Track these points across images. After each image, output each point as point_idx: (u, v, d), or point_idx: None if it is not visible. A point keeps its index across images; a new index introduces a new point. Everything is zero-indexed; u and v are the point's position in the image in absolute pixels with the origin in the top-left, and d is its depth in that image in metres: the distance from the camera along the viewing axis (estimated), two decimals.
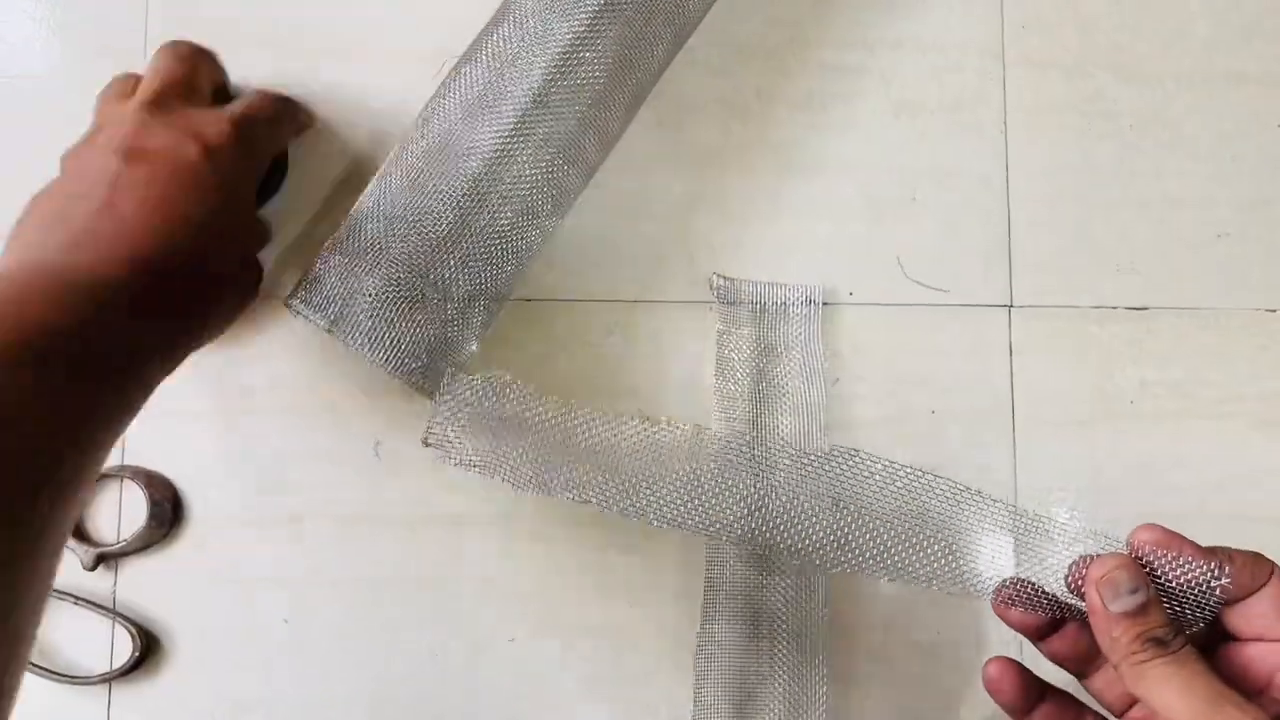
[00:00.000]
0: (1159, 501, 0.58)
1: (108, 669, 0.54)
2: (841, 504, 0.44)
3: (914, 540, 0.43)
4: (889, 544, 0.43)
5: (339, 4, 0.58)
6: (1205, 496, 0.58)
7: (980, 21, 0.60)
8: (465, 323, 0.52)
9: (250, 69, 0.55)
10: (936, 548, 0.43)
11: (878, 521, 0.44)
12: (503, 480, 0.45)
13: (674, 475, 0.45)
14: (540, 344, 0.57)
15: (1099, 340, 0.58)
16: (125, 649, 0.54)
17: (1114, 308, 0.59)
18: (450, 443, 0.47)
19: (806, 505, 0.45)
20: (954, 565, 0.43)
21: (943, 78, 0.59)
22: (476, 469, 0.46)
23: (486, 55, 0.53)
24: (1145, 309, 0.59)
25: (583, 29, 0.53)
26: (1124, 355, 0.58)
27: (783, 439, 0.56)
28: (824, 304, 0.57)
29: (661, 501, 0.44)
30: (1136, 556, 0.39)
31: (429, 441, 0.48)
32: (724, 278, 0.57)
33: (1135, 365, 0.58)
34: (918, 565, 0.43)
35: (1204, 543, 0.40)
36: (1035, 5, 0.60)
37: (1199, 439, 0.58)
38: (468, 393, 0.48)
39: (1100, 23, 0.60)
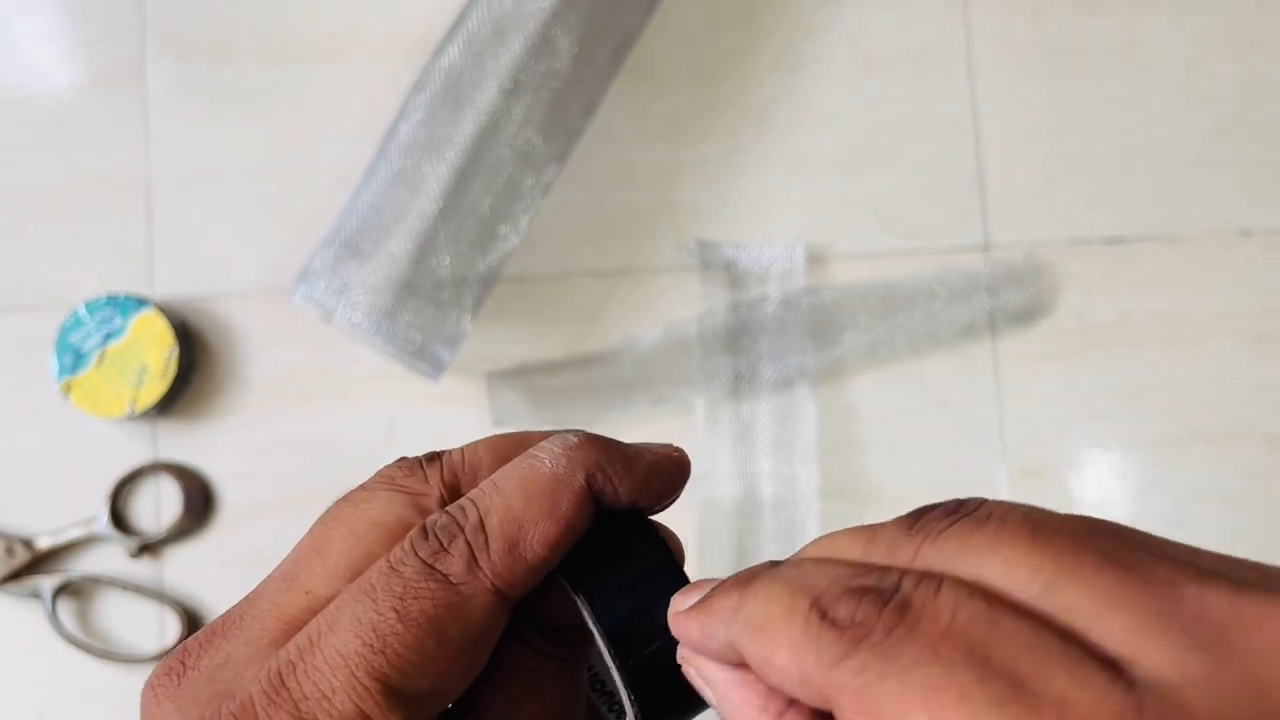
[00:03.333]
0: (1151, 427, 0.59)
1: (159, 648, 0.58)
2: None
3: None
4: None
5: (325, 7, 0.61)
6: (1197, 419, 0.59)
7: None
8: (458, 304, 0.55)
9: (241, 77, 0.59)
10: None
11: None
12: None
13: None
14: (532, 318, 0.60)
15: (1077, 273, 0.60)
16: (174, 629, 0.58)
17: (1090, 240, 0.60)
18: (516, 418, 0.58)
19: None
20: None
21: (909, 29, 0.61)
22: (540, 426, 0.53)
23: (459, 46, 0.56)
24: (1122, 240, 0.60)
25: (549, 12, 0.56)
26: (1103, 287, 0.60)
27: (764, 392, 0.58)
28: (806, 258, 0.59)
29: None
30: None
31: (498, 420, 0.58)
32: (704, 242, 0.60)
33: (1115, 296, 0.59)
34: None
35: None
36: None
37: (1186, 363, 0.59)
38: (515, 377, 0.53)
39: None
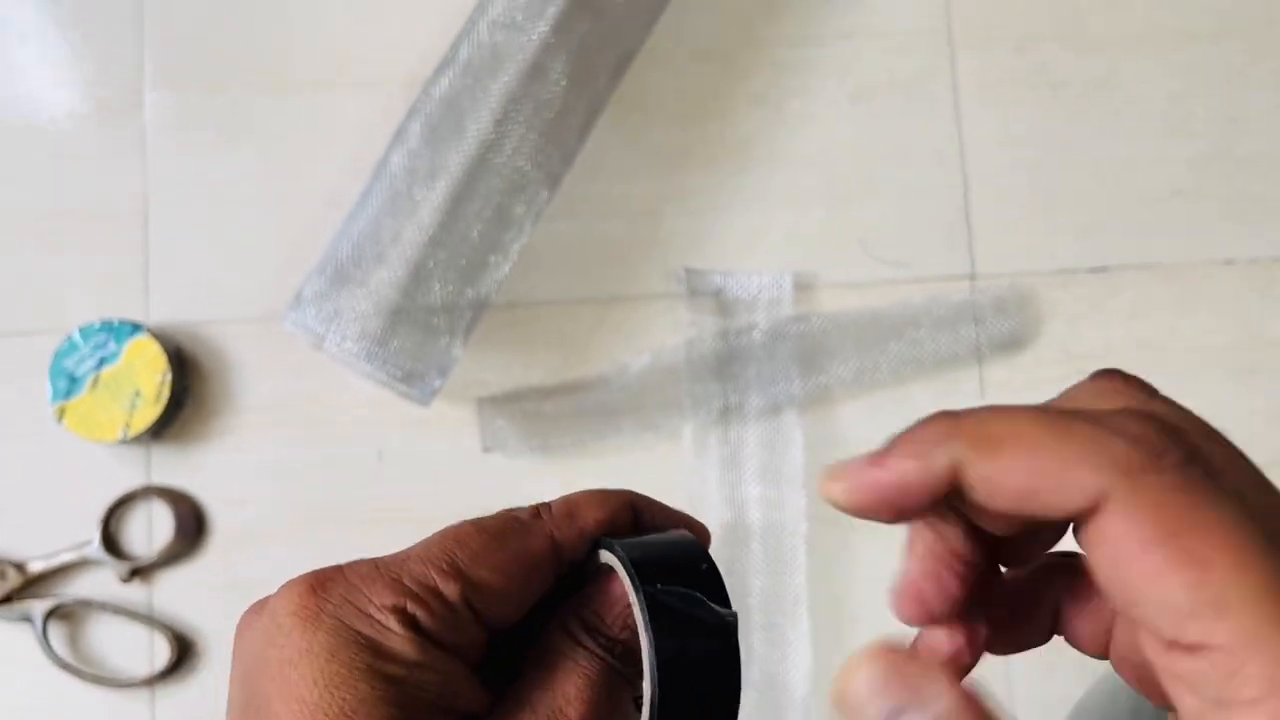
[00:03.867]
0: None
1: (149, 673, 0.59)
2: None
3: None
4: None
5: (319, 37, 0.62)
6: None
7: (926, 4, 0.62)
8: (448, 331, 0.56)
9: (237, 107, 0.60)
10: None
11: None
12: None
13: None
14: (522, 345, 0.60)
15: (1062, 303, 0.60)
16: (164, 654, 0.58)
17: (1075, 270, 0.61)
18: (506, 444, 0.59)
19: None
20: None
21: (894, 62, 0.62)
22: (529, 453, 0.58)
23: (451, 76, 0.57)
24: (1106, 269, 0.60)
25: (537, 48, 0.57)
26: (1087, 316, 0.60)
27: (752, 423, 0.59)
28: (793, 287, 0.60)
29: None
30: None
31: (488, 447, 0.59)
32: (693, 270, 0.60)
33: (1099, 325, 0.60)
34: None
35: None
36: None
37: (1170, 393, 0.60)
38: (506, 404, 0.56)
39: None
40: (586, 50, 0.58)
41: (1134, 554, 0.18)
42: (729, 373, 0.60)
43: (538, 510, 0.26)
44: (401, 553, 0.25)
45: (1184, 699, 0.18)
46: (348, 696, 0.23)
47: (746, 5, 0.62)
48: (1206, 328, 0.60)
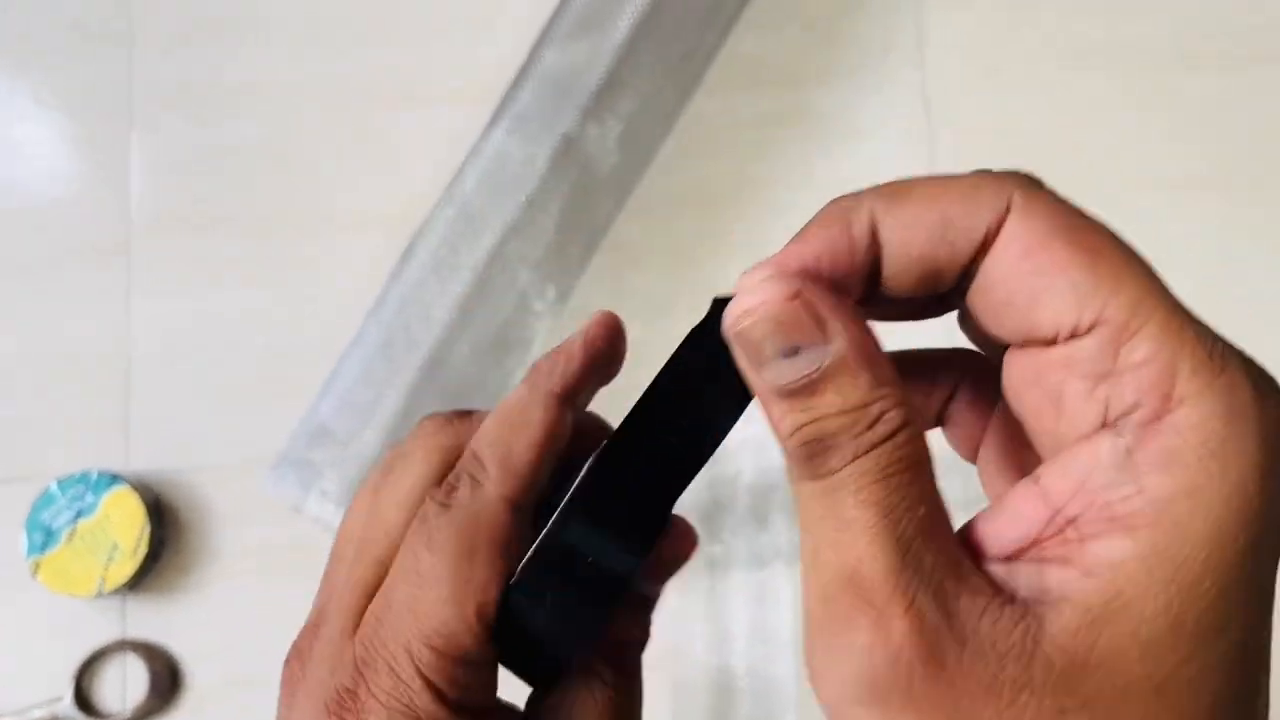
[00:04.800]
0: None
1: None
2: None
3: None
4: None
5: (306, 182, 0.62)
6: None
7: (913, 154, 0.62)
8: None
9: (223, 251, 0.59)
10: None
11: None
12: None
13: None
14: None
15: None
16: None
17: None
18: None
19: None
20: None
21: None
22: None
23: (439, 231, 0.57)
24: None
25: (526, 198, 0.57)
26: None
27: None
28: None
29: None
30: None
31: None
32: None
33: None
34: None
35: None
36: (968, 136, 0.62)
37: None
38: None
39: (1032, 142, 0.62)
40: (571, 209, 0.58)
41: (1039, 246, 0.19)
42: (715, 524, 0.59)
43: (472, 481, 0.24)
44: (367, 637, 0.24)
45: (1070, 388, 0.19)
46: None
47: (735, 151, 0.63)
48: None
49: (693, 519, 0.58)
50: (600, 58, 0.56)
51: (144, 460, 0.60)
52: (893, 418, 0.19)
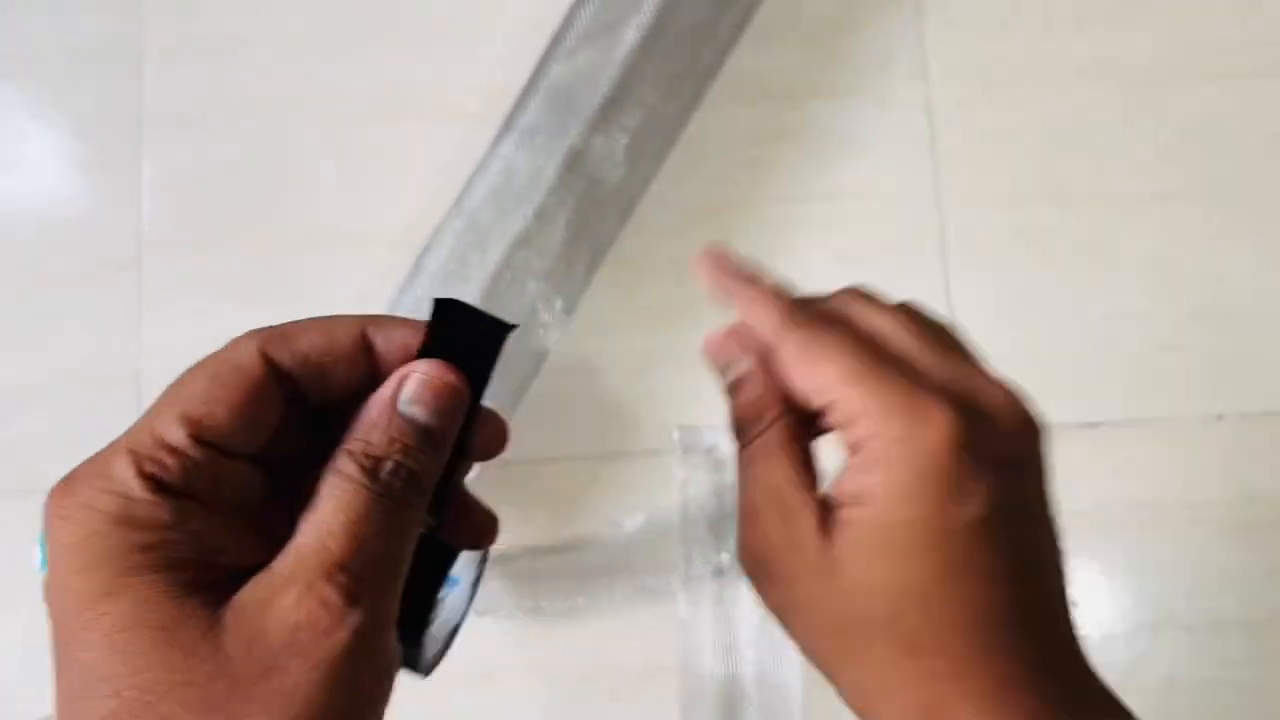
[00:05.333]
0: (1130, 614, 0.59)
1: None
2: None
3: None
4: None
5: (312, 199, 0.63)
6: (1176, 606, 0.59)
7: (915, 168, 0.63)
8: None
9: (233, 269, 0.60)
10: None
11: None
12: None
13: None
14: (517, 503, 0.60)
15: (1054, 460, 0.60)
16: None
17: (1066, 426, 0.61)
18: (499, 607, 0.58)
19: None
20: None
21: (881, 220, 0.63)
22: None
23: (445, 249, 0.57)
24: (1096, 425, 0.61)
25: (534, 211, 0.58)
26: (1080, 474, 0.60)
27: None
28: None
29: None
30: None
31: (481, 611, 0.57)
32: (686, 427, 0.61)
33: (1091, 483, 0.60)
34: None
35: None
36: (966, 146, 0.63)
37: (1163, 550, 0.60)
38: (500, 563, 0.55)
39: (1031, 156, 0.63)
40: (573, 228, 0.59)
41: (791, 369, 0.30)
42: (723, 531, 0.59)
43: (252, 334, 0.26)
44: (135, 423, 0.25)
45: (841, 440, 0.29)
46: (105, 575, 0.23)
47: (734, 166, 0.63)
48: (1198, 484, 0.60)
49: (700, 527, 0.59)
50: (606, 72, 0.57)
51: None
52: (775, 413, 0.31)
